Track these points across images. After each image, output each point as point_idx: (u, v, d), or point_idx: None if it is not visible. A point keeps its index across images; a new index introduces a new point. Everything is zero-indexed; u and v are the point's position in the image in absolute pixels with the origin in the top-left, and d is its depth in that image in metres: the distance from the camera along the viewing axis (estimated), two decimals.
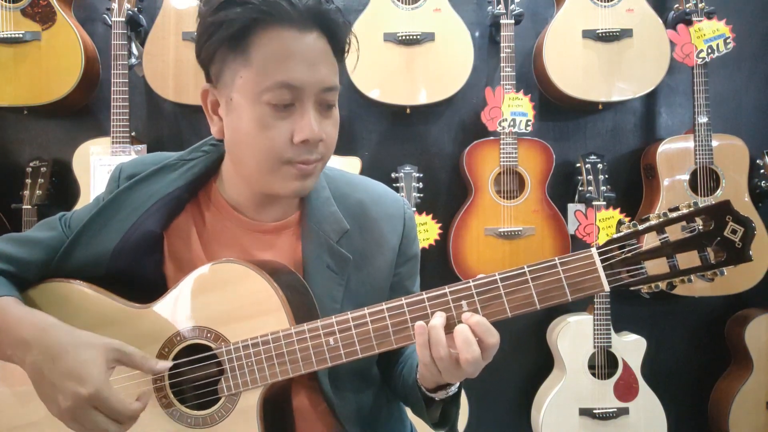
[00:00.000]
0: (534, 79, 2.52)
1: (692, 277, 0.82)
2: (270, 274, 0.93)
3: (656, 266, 0.82)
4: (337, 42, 0.93)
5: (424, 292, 0.89)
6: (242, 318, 0.94)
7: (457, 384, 0.96)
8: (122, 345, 0.90)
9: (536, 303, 0.85)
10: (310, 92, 0.90)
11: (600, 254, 0.84)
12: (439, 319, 0.86)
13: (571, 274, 0.84)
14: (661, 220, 0.82)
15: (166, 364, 0.94)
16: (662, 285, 0.83)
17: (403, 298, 0.89)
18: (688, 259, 0.82)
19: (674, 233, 0.83)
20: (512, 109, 2.29)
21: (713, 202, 0.82)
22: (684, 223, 0.83)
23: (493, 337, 0.85)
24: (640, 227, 0.83)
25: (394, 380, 1.11)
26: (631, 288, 0.84)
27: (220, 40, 0.90)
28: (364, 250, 1.05)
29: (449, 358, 0.85)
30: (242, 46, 0.89)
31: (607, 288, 0.83)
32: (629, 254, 0.83)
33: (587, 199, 2.28)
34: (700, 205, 0.82)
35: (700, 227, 0.82)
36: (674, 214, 0.82)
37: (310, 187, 0.97)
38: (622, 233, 0.84)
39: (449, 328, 0.86)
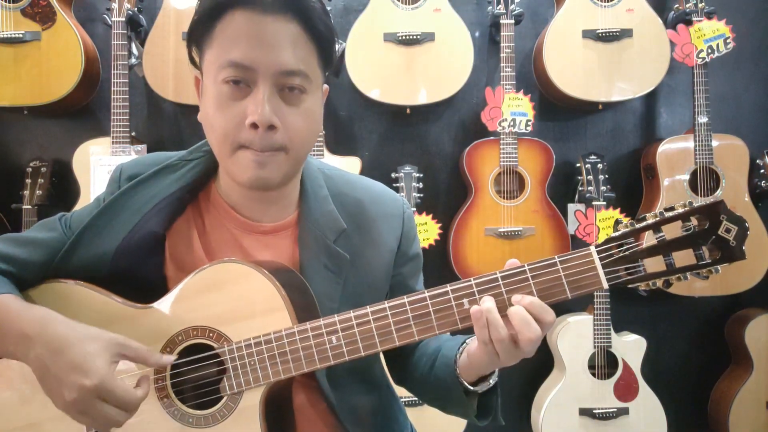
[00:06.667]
0: (534, 79, 2.52)
1: (688, 275, 0.83)
2: (271, 274, 0.94)
3: (653, 264, 0.84)
4: (312, 27, 0.92)
5: (425, 291, 0.89)
6: (244, 317, 0.94)
7: (496, 375, 0.96)
8: (126, 339, 0.90)
9: None
10: (265, 74, 0.89)
11: (599, 252, 0.85)
12: (490, 303, 0.86)
13: (571, 272, 0.85)
14: (656, 219, 0.84)
15: (171, 357, 0.94)
16: (659, 283, 0.84)
17: (405, 297, 0.90)
18: (684, 257, 0.83)
19: (672, 232, 0.83)
20: (512, 109, 2.29)
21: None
22: (682, 222, 0.84)
23: (550, 315, 0.85)
24: (637, 226, 0.84)
25: (418, 379, 1.08)
26: (629, 285, 0.85)
27: (195, 25, 0.94)
28: (362, 249, 1.05)
29: (508, 339, 0.85)
30: (210, 29, 0.92)
31: (605, 285, 0.84)
32: (627, 252, 0.84)
33: (587, 199, 2.28)
34: (695, 205, 0.83)
35: (695, 226, 0.83)
36: (669, 214, 0.83)
37: (271, 177, 0.93)
38: (619, 232, 0.85)
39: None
